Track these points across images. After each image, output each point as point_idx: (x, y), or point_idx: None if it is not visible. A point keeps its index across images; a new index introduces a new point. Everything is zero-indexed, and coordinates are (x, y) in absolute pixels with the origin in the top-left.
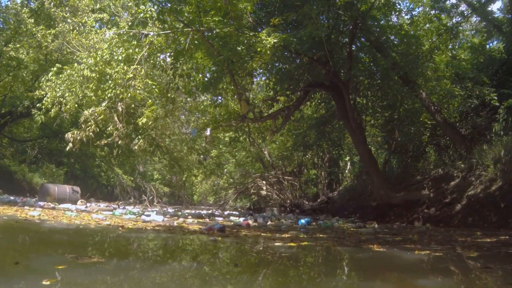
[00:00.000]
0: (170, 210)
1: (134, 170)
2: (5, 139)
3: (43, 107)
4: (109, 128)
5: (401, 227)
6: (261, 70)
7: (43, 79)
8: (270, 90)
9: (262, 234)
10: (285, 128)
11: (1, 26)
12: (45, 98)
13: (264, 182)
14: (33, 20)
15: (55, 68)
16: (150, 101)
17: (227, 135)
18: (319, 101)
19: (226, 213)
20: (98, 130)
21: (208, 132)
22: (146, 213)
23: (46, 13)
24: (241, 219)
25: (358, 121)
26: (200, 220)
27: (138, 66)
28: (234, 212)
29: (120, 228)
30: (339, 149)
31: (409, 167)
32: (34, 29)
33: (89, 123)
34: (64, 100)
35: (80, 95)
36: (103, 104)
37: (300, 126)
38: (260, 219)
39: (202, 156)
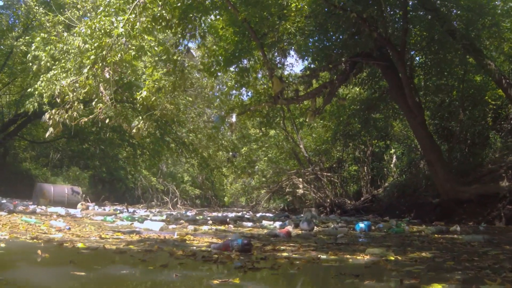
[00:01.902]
0: (190, 213)
1: (161, 172)
2: (24, 141)
3: (36, 92)
4: (93, 103)
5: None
6: (297, 37)
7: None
8: (308, 63)
9: (321, 256)
10: (325, 117)
11: (12, 21)
12: (38, 82)
13: (300, 179)
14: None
15: (38, 38)
16: (149, 67)
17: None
18: (365, 80)
19: (258, 215)
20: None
21: (233, 119)
22: (151, 218)
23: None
24: (277, 224)
25: (416, 99)
26: (221, 227)
27: (131, 16)
28: (267, 214)
29: (39, 253)
30: (386, 139)
31: (473, 156)
32: (43, 19)
33: (68, 97)
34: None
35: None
36: (85, 70)
37: (345, 107)
38: (304, 225)
39: (231, 153)
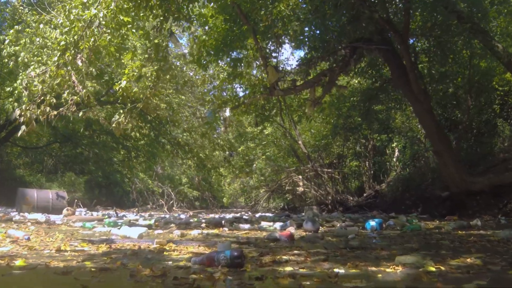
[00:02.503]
0: (183, 216)
1: (157, 174)
2: (17, 148)
3: (15, 92)
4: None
5: None
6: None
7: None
8: (305, 53)
9: (338, 270)
10: (324, 109)
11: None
12: (18, 81)
13: (300, 177)
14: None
15: (12, 31)
16: (128, 52)
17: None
18: (365, 69)
19: (257, 215)
20: (55, 101)
21: (227, 113)
22: (139, 222)
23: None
24: (277, 226)
25: (421, 86)
26: (214, 231)
27: None
28: (267, 214)
29: None
30: (388, 131)
31: (480, 145)
32: (28, 19)
33: (36, 89)
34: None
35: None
36: (55, 58)
37: (345, 99)
38: (307, 225)
39: (227, 153)
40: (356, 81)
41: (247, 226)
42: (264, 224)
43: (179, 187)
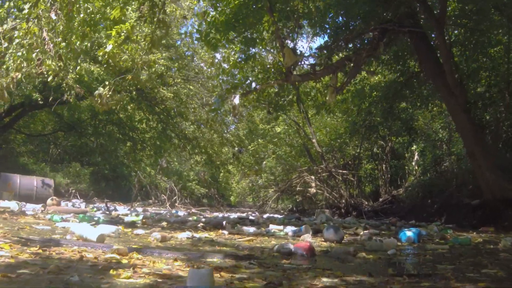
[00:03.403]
0: (182, 213)
1: (161, 167)
2: (21, 135)
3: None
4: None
5: None
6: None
7: None
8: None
9: None
10: (346, 100)
11: None
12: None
13: (312, 177)
14: None
15: None
16: (116, 8)
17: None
18: (390, 61)
19: (264, 216)
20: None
21: (236, 100)
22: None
23: None
24: (288, 230)
25: (457, 79)
26: (211, 234)
27: None
28: (275, 216)
29: None
30: (410, 132)
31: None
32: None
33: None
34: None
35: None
36: (25, 11)
37: (366, 94)
38: (329, 232)
39: (236, 148)
40: (378, 77)
41: (252, 229)
42: (272, 227)
43: (186, 183)
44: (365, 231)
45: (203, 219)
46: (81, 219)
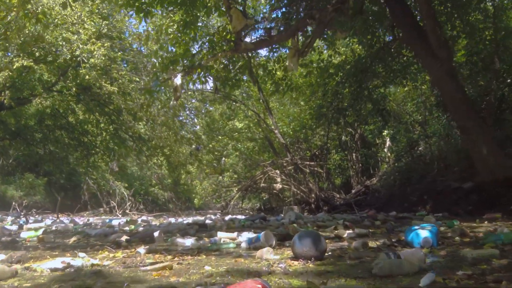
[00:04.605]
0: (117, 221)
1: (112, 172)
2: None
3: None
4: None
5: None
6: None
7: None
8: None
9: None
10: (311, 72)
11: None
12: None
13: (277, 171)
14: None
15: None
16: None
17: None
18: (357, 30)
19: (226, 218)
20: None
21: (178, 80)
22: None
23: None
24: (243, 242)
25: (441, 37)
26: (119, 253)
27: None
28: (238, 217)
29: None
30: (384, 115)
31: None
32: None
33: None
34: None
35: None
36: None
37: (330, 73)
38: (303, 245)
39: (194, 146)
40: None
41: (189, 241)
42: (221, 235)
43: (149, 189)
44: (348, 231)
45: (142, 228)
46: None
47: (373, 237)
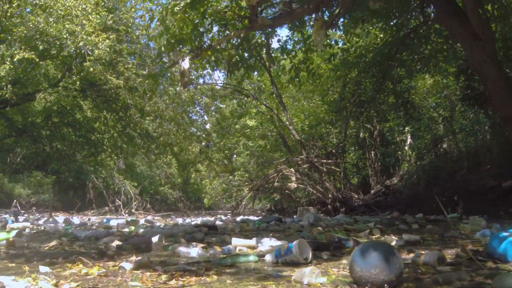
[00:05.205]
0: (116, 222)
1: (119, 169)
2: None
3: None
4: None
5: None
6: None
7: None
8: None
9: None
10: (333, 58)
11: None
12: None
13: (292, 170)
14: None
15: None
16: None
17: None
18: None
19: (238, 219)
20: None
21: (185, 64)
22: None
23: None
24: (266, 256)
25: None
26: (94, 269)
27: None
28: (251, 218)
29: None
30: (408, 107)
31: None
32: None
33: None
34: None
35: None
36: None
37: (351, 62)
38: (367, 264)
39: (203, 143)
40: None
41: (195, 251)
42: (236, 243)
43: (159, 188)
44: (394, 238)
45: (141, 230)
46: None
47: (427, 245)
